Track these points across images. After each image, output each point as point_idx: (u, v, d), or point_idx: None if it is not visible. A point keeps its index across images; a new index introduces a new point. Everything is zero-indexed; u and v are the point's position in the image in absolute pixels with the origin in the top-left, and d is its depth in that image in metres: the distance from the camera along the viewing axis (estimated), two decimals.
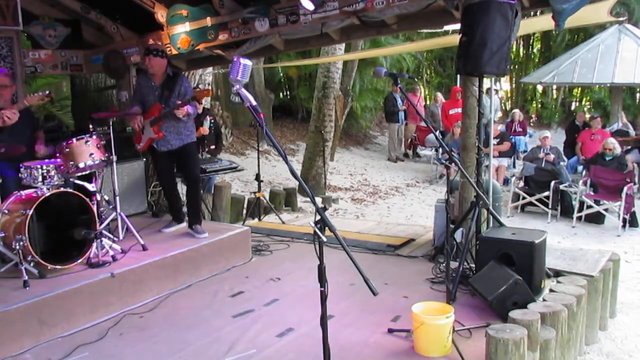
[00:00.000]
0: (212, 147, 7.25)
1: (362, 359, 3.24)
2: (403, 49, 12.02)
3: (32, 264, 3.88)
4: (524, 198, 8.56)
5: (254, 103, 2.51)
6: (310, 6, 4.85)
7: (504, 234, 4.11)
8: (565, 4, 4.13)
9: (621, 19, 10.95)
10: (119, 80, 6.87)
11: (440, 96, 14.00)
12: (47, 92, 4.53)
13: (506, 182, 9.94)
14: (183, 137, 5.01)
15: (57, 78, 10.65)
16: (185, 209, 5.53)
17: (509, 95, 21.20)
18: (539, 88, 19.54)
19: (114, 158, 4.68)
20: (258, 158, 7.48)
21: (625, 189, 7.48)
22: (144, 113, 4.97)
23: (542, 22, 6.70)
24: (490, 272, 3.85)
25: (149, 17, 5.95)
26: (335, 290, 2.73)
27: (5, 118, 4.31)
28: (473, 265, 4.34)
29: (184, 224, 5.26)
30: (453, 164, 3.87)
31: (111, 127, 4.74)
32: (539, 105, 20.49)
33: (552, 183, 8.18)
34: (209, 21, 5.52)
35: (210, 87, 5.12)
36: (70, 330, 3.70)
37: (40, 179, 4.09)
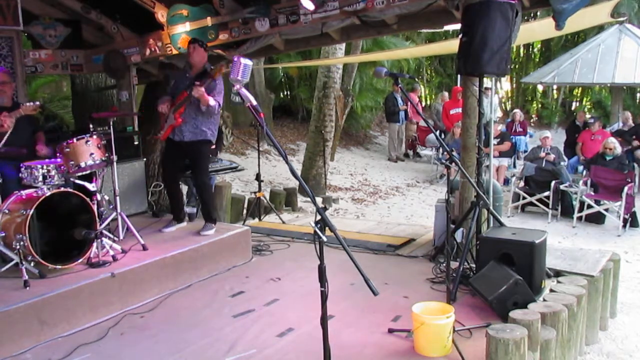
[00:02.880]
0: (212, 147, 7.24)
1: (362, 359, 3.24)
2: (404, 54, 11.99)
3: (32, 264, 3.89)
4: (524, 198, 8.56)
5: (255, 103, 2.51)
6: (310, 6, 4.85)
7: (504, 234, 4.11)
8: (565, 4, 4.13)
9: (621, 19, 10.94)
10: (119, 80, 6.87)
11: (446, 95, 13.95)
12: (38, 102, 4.53)
13: (506, 182, 9.94)
14: (197, 132, 4.94)
15: (56, 77, 10.67)
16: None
17: (509, 95, 21.21)
18: (539, 88, 19.54)
19: (115, 158, 4.68)
20: (258, 158, 7.48)
21: (626, 189, 7.48)
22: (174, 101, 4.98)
23: (543, 30, 6.69)
24: (490, 272, 3.85)
25: (150, 17, 5.95)
26: (335, 290, 2.73)
27: (2, 124, 4.30)
28: (473, 265, 4.34)
29: (184, 224, 5.26)
30: (453, 163, 3.87)
31: (111, 126, 4.74)
32: (540, 105, 20.50)
33: (553, 183, 8.17)
34: (209, 21, 5.52)
35: (222, 64, 5.07)
36: (71, 330, 3.70)
37: (40, 178, 4.09)
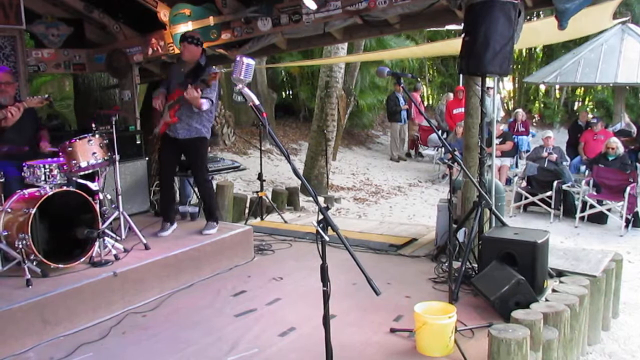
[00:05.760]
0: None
1: (364, 359, 3.24)
2: (406, 53, 11.97)
3: (34, 263, 3.89)
4: (526, 198, 8.55)
5: (257, 102, 2.51)
6: (312, 5, 4.85)
7: (506, 233, 4.10)
8: (568, 3, 4.12)
9: (624, 19, 10.91)
10: (121, 79, 6.87)
11: (450, 96, 13.92)
12: (47, 96, 4.55)
13: (509, 181, 9.93)
14: (191, 129, 4.90)
15: (57, 76, 10.68)
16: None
17: (511, 95, 21.17)
18: (542, 88, 19.50)
19: (117, 157, 4.68)
20: (260, 157, 7.48)
21: (628, 189, 7.46)
22: (167, 96, 4.93)
23: (546, 34, 6.66)
24: (492, 272, 3.85)
25: (152, 16, 5.96)
26: (337, 289, 2.74)
27: (9, 113, 4.32)
28: (475, 265, 4.33)
29: (175, 225, 5.16)
30: (456, 163, 3.87)
31: (114, 126, 4.74)
32: (542, 105, 20.45)
33: (555, 183, 8.17)
34: (211, 20, 5.53)
35: (220, 71, 5.04)
36: (73, 329, 3.71)
37: (43, 177, 4.10)
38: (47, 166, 4.14)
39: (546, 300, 3.71)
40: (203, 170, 5.12)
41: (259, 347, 3.40)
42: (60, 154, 4.34)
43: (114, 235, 4.61)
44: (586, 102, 20.09)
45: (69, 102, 10.15)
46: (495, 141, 5.92)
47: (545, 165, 8.61)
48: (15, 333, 3.42)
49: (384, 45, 12.77)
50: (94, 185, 4.41)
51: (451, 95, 13.70)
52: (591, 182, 8.09)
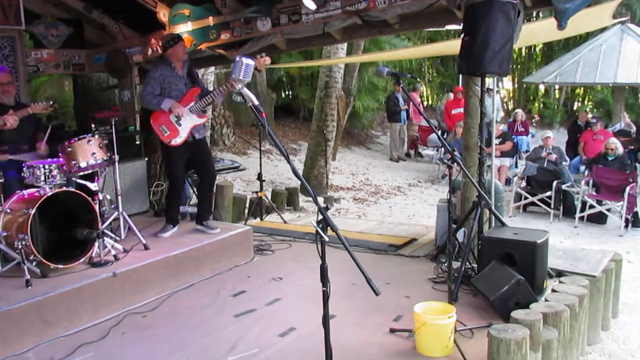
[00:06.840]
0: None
1: (364, 359, 3.24)
2: (406, 54, 11.96)
3: (34, 263, 3.89)
4: (526, 198, 8.55)
5: (257, 102, 2.51)
6: (312, 6, 4.85)
7: (506, 234, 4.10)
8: (567, 3, 4.12)
9: (624, 19, 10.92)
10: (121, 79, 6.88)
11: (451, 96, 13.91)
12: (51, 102, 4.56)
13: (508, 182, 9.93)
14: (203, 128, 5.08)
15: (55, 76, 10.67)
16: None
17: (511, 95, 21.17)
18: (541, 88, 19.50)
19: (116, 157, 4.68)
20: (260, 157, 7.48)
21: (628, 189, 7.47)
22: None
23: (545, 32, 6.66)
24: (492, 272, 3.85)
25: (152, 16, 5.96)
26: (337, 289, 2.73)
27: (7, 123, 4.31)
28: (475, 265, 4.34)
29: (176, 228, 5.16)
30: (455, 163, 3.87)
31: (113, 126, 4.74)
32: (541, 105, 20.44)
33: (555, 183, 8.17)
34: (211, 21, 5.53)
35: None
36: (73, 329, 3.71)
37: (42, 178, 4.10)
38: (46, 166, 4.13)
39: (546, 300, 3.71)
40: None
41: (259, 347, 3.40)
42: (60, 154, 4.34)
43: (113, 236, 4.61)
44: (586, 102, 20.09)
45: (68, 102, 10.15)
46: (495, 141, 5.93)
47: (545, 166, 8.61)
48: (15, 333, 3.42)
49: (381, 47, 12.77)
50: (93, 186, 4.41)
51: (451, 95, 13.67)
52: (591, 182, 8.09)
